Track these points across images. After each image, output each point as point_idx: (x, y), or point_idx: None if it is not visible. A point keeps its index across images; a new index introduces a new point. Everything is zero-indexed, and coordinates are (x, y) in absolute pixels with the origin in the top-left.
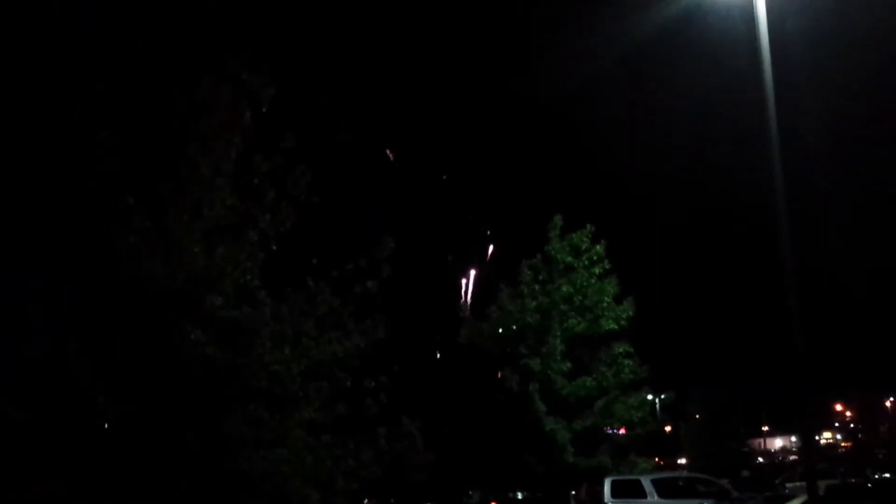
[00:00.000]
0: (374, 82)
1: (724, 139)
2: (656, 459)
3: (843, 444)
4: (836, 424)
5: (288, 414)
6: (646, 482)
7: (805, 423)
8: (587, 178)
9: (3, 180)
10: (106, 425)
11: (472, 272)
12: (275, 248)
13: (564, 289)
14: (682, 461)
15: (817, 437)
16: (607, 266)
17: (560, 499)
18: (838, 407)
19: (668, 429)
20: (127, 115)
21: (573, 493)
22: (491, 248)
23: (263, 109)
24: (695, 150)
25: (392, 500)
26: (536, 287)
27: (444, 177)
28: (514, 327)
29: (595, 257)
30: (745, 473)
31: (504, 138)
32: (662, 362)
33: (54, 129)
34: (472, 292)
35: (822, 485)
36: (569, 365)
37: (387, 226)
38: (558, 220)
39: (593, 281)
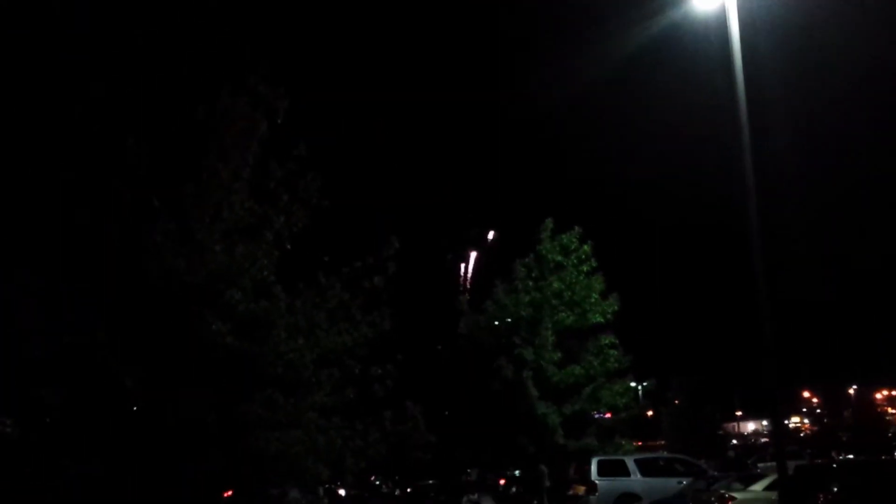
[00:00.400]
0: (378, 86)
1: (702, 148)
2: (639, 442)
3: (809, 428)
4: (804, 410)
5: (301, 398)
6: (629, 462)
7: (775, 409)
8: (576, 184)
9: (38, 185)
10: (134, 409)
11: (473, 254)
12: (289, 246)
13: (555, 285)
14: (663, 443)
15: (786, 422)
16: (594, 264)
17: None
18: (805, 394)
19: (649, 413)
20: (154, 124)
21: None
22: (491, 233)
23: (279, 120)
24: (675, 157)
25: (397, 477)
26: (530, 283)
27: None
28: (509, 320)
29: (583, 256)
30: (731, 454)
31: (500, 147)
32: (644, 352)
33: (88, 137)
34: (472, 275)
35: (792, 465)
36: (559, 354)
37: (391, 226)
38: (549, 222)
39: (581, 278)
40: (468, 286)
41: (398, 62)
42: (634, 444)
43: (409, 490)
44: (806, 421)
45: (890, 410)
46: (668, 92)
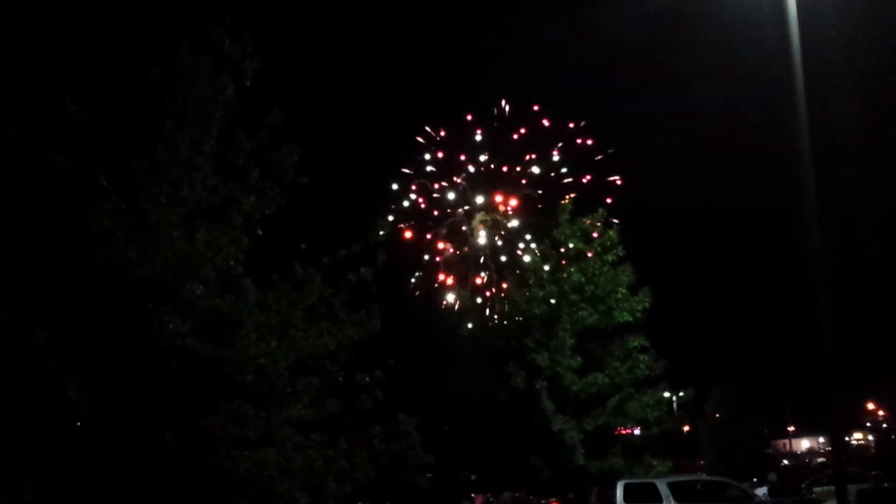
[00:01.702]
0: (366, 60)
1: (755, 120)
2: (673, 462)
3: (874, 446)
4: (868, 424)
5: (275, 411)
6: (661, 486)
7: (834, 423)
8: (604, 161)
9: None
10: (78, 424)
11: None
12: (260, 232)
13: (575, 277)
14: (701, 463)
15: (847, 438)
16: (621, 253)
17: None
18: (870, 406)
19: (685, 428)
20: (99, 88)
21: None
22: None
23: (247, 83)
24: (721, 133)
25: None
26: (544, 275)
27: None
28: (520, 319)
29: (608, 243)
30: (773, 477)
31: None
32: (680, 357)
33: (18, 101)
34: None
35: (853, 490)
36: (579, 360)
37: (380, 210)
38: (568, 203)
39: (606, 269)
40: (474, 282)
41: (398, 17)
42: (667, 464)
43: None
44: (870, 437)
45: None
46: (712, 64)
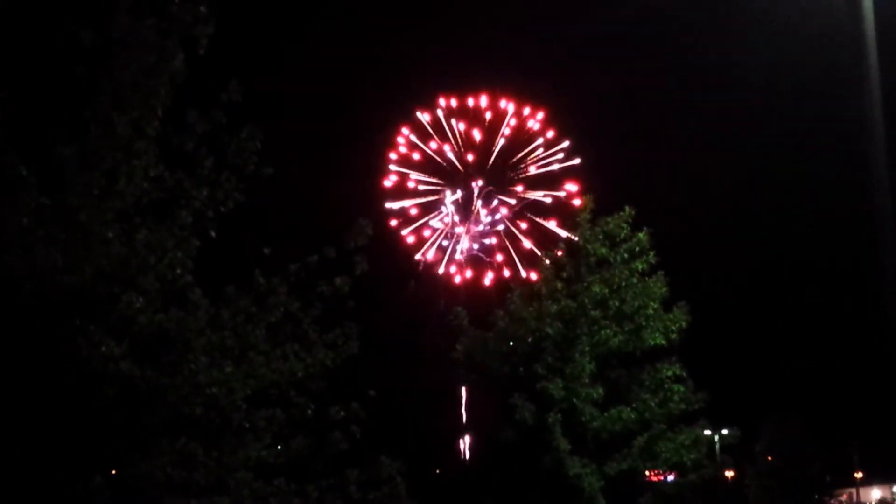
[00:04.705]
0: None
1: (818, 106)
2: None
3: None
4: None
5: (229, 451)
6: None
7: None
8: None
9: None
10: None
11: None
12: (213, 233)
13: (596, 289)
14: None
15: None
16: (653, 260)
17: None
18: None
19: (730, 474)
20: (16, 54)
21: None
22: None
23: (200, 52)
24: (778, 116)
25: None
26: (559, 286)
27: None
28: (529, 340)
29: (637, 249)
30: None
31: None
32: (723, 389)
33: None
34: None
35: None
36: (600, 390)
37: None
38: (589, 199)
39: (634, 280)
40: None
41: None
42: None
43: None
44: None
45: None
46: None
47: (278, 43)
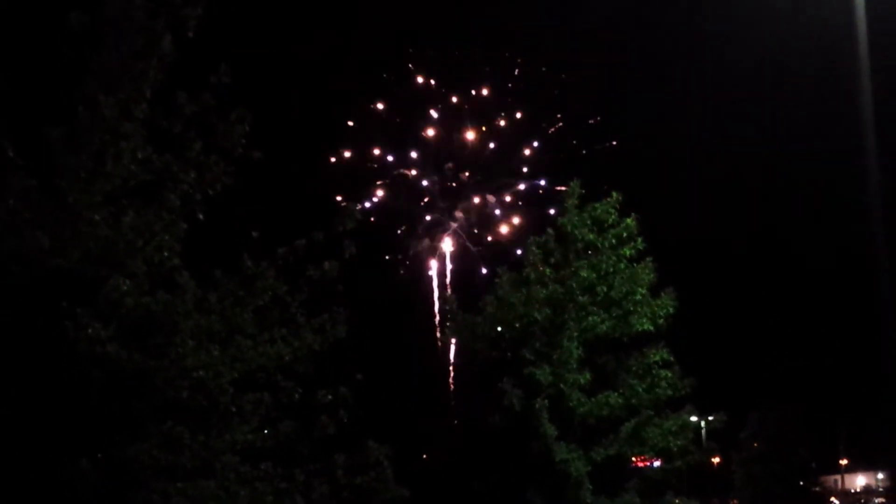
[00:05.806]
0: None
1: (808, 83)
2: (702, 501)
3: None
4: None
5: (216, 434)
6: None
7: None
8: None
9: None
10: None
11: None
12: (201, 216)
13: (584, 274)
14: (734, 502)
15: None
16: (641, 246)
17: None
18: None
19: (716, 461)
20: (5, 36)
21: None
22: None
23: (189, 34)
24: (769, 100)
25: None
26: (547, 272)
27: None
28: (517, 325)
29: (625, 234)
30: None
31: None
32: (711, 375)
33: None
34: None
35: None
36: (588, 376)
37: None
38: (576, 185)
39: (622, 265)
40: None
41: None
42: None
43: None
44: None
45: None
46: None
47: (269, 25)
